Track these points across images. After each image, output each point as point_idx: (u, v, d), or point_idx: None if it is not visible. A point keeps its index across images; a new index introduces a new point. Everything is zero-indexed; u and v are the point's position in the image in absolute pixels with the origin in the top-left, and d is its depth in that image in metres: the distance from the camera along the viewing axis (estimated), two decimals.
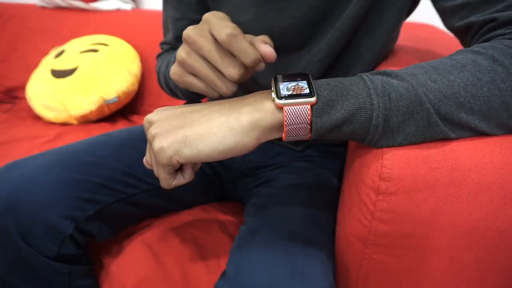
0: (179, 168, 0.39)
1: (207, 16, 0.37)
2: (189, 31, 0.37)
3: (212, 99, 0.67)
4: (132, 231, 0.65)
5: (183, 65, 0.39)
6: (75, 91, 1.17)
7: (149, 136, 0.37)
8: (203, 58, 0.38)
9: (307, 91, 0.34)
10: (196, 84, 0.40)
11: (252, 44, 0.36)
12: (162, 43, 0.70)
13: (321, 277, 0.42)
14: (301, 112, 0.33)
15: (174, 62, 0.54)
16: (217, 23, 0.35)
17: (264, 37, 0.38)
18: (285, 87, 0.35)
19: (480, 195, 0.33)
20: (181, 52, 0.39)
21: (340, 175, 0.63)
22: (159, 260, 0.60)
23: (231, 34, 0.34)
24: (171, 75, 0.41)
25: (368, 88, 0.34)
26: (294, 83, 0.36)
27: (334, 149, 0.66)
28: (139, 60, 1.30)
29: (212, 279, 0.57)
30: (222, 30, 0.34)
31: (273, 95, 0.34)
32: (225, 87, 0.38)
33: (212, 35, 0.36)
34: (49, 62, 1.27)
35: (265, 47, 0.36)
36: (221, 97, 0.40)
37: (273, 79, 0.37)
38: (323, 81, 0.36)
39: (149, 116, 0.38)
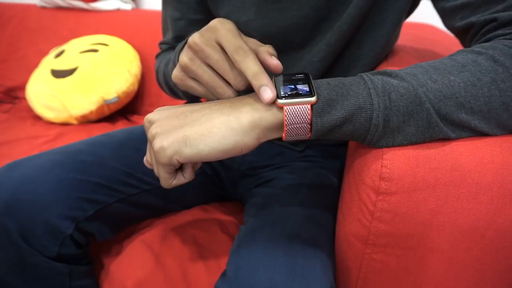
0: (180, 168, 0.39)
1: (215, 24, 0.37)
2: (196, 39, 0.38)
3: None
4: (132, 231, 0.65)
5: (186, 70, 0.39)
6: (75, 91, 1.17)
7: (149, 135, 0.37)
8: (207, 65, 0.38)
9: (307, 90, 0.34)
10: (197, 89, 0.40)
11: (256, 54, 0.36)
12: (161, 43, 0.70)
13: (321, 277, 0.42)
14: (301, 112, 0.33)
15: (173, 61, 0.54)
16: (226, 36, 0.36)
17: (269, 48, 0.38)
18: (285, 87, 0.35)
19: (480, 195, 0.33)
20: (184, 57, 0.39)
21: (340, 175, 0.63)
22: (159, 260, 0.59)
23: (242, 53, 0.35)
24: (173, 78, 0.42)
25: (368, 88, 0.34)
26: (293, 83, 0.36)
27: (334, 149, 0.66)
28: (139, 60, 1.30)
29: (212, 279, 0.57)
30: (232, 45, 0.35)
31: None
32: (226, 95, 0.38)
33: (219, 45, 0.37)
34: (49, 62, 1.27)
35: (272, 60, 0.37)
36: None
37: (273, 79, 0.37)
38: (323, 81, 0.36)
39: (150, 116, 0.38)
